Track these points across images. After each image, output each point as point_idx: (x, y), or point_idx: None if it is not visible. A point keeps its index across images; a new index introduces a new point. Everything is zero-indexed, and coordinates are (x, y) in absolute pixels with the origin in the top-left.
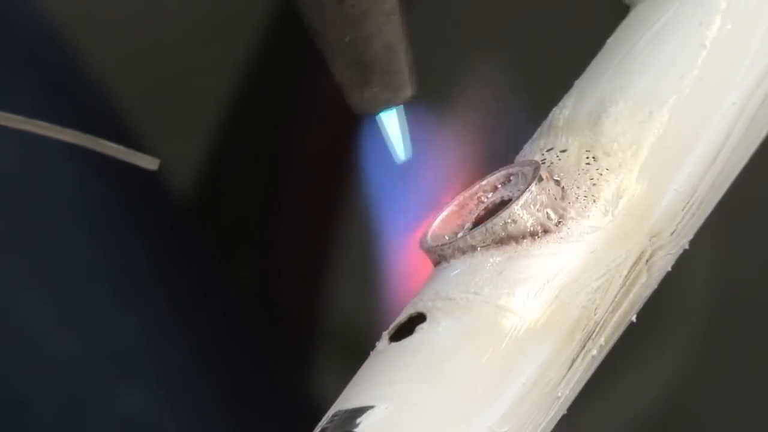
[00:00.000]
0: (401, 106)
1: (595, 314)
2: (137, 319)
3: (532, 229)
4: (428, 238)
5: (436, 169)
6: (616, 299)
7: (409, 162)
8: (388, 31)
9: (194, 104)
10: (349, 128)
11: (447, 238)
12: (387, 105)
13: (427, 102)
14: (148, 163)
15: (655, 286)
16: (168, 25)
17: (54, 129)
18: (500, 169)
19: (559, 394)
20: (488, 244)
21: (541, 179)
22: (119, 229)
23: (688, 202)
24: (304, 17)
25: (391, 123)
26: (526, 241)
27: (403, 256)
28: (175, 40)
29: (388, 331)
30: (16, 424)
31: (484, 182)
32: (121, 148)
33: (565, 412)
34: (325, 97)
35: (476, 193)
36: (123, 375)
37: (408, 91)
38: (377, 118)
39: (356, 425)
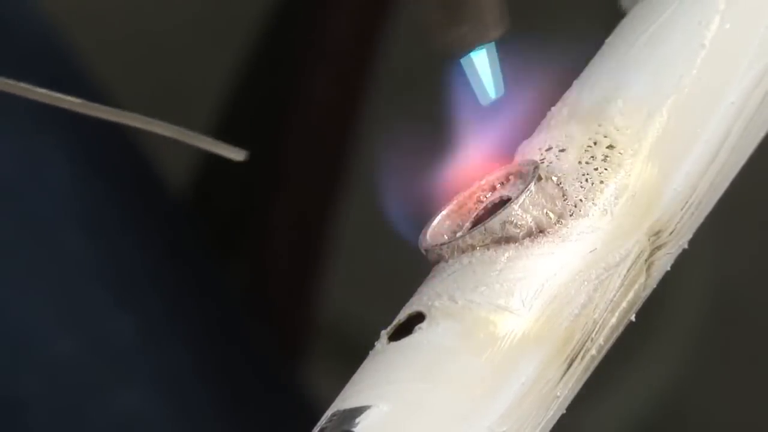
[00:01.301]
0: (492, 45)
1: (594, 314)
2: (134, 320)
3: (530, 228)
4: (427, 237)
5: (526, 109)
6: (615, 299)
7: (499, 100)
8: None
9: (192, 103)
10: (347, 128)
11: (446, 237)
12: (478, 44)
13: (516, 41)
14: (236, 154)
15: (654, 286)
16: (167, 25)
17: (146, 121)
18: (499, 168)
19: (558, 394)
20: (487, 244)
21: (539, 179)
22: (116, 230)
23: (687, 202)
24: None
25: (482, 63)
26: (525, 241)
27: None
28: (175, 40)
29: (386, 330)
30: (14, 425)
31: (483, 182)
32: (209, 139)
33: (565, 411)
34: (321, 98)
35: (475, 193)
36: (120, 375)
37: (499, 29)
38: (467, 58)
39: (355, 425)
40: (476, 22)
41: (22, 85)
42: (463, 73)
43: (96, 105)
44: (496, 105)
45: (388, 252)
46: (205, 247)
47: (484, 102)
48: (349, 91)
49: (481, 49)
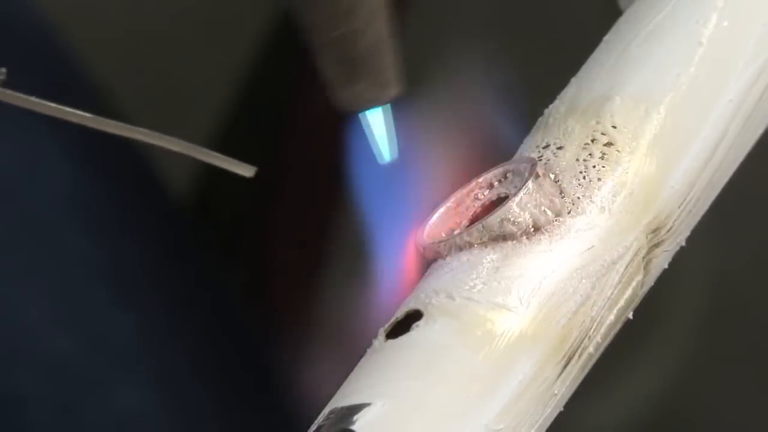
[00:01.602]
0: (387, 105)
1: (591, 311)
2: (133, 318)
3: (528, 226)
4: (425, 235)
5: (422, 169)
6: (613, 296)
7: (395, 162)
8: (376, 27)
9: (191, 104)
10: (347, 129)
11: (443, 235)
12: (373, 103)
13: (413, 101)
14: (245, 170)
15: (652, 283)
16: (167, 25)
17: (155, 136)
18: (497, 166)
19: (556, 392)
20: (485, 242)
21: (537, 176)
22: (115, 229)
23: (684, 199)
24: (294, 12)
25: (377, 122)
26: (523, 239)
27: (395, 257)
28: (174, 40)
29: (384, 328)
30: (13, 422)
31: (480, 179)
32: (219, 155)
33: (562, 409)
34: (321, 98)
35: (473, 191)
36: (120, 374)
37: (394, 89)
38: (362, 116)
39: (353, 422)
40: (372, 80)
41: (33, 99)
42: (362, 130)
43: (106, 120)
44: (392, 164)
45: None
46: (204, 246)
47: (380, 160)
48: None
49: (377, 108)
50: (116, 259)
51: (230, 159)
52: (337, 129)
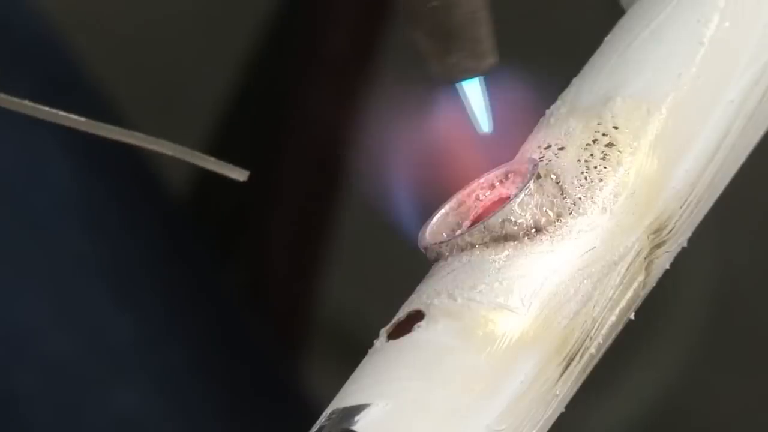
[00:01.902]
0: (483, 76)
1: (593, 312)
2: (133, 318)
3: (530, 227)
4: (426, 235)
5: (516, 140)
6: (615, 297)
7: (490, 131)
8: None
9: (191, 102)
10: (345, 129)
11: (445, 235)
12: (469, 74)
13: (508, 73)
14: (238, 174)
15: (654, 284)
16: (167, 24)
17: (150, 140)
18: (498, 166)
19: (557, 392)
20: (486, 242)
21: (539, 177)
22: (115, 228)
23: (686, 200)
24: None
25: (474, 93)
26: (525, 239)
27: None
28: (174, 40)
29: (386, 329)
30: (12, 422)
31: (482, 180)
32: (212, 159)
33: (564, 410)
34: (322, 98)
35: (474, 191)
36: (118, 373)
37: (491, 60)
38: (458, 87)
39: (354, 423)
40: (468, 51)
41: (27, 103)
42: (458, 100)
43: (99, 124)
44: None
45: (388, 250)
46: (204, 246)
47: (479, 131)
48: (348, 93)
49: (473, 79)
50: (115, 259)
51: (223, 163)
52: (337, 129)
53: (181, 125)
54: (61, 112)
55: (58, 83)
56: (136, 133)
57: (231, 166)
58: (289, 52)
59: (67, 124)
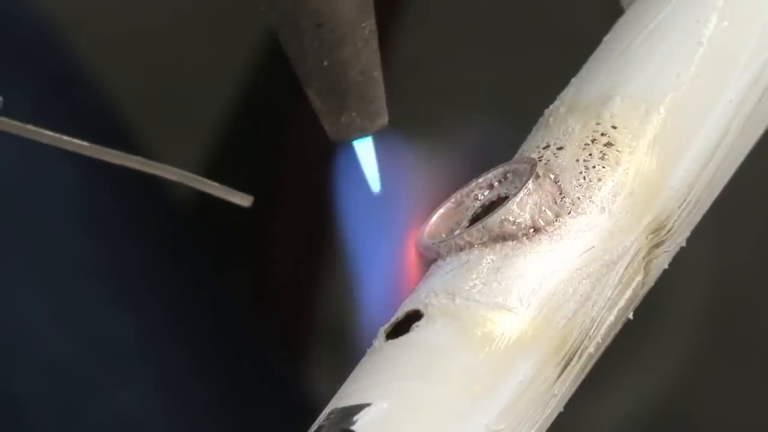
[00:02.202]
0: (374, 136)
1: (591, 311)
2: (133, 319)
3: (528, 226)
4: (425, 235)
5: (410, 198)
6: (613, 296)
7: (383, 192)
8: (365, 56)
9: (193, 104)
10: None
11: (444, 235)
12: (362, 133)
13: (401, 131)
14: (242, 200)
15: (652, 284)
16: (168, 26)
17: (155, 166)
18: (497, 166)
19: (556, 392)
20: (485, 242)
21: (537, 176)
22: (116, 230)
23: (685, 200)
24: (282, 42)
25: (366, 152)
26: (523, 239)
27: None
28: (175, 41)
29: (384, 328)
30: (12, 422)
31: (480, 180)
32: (216, 185)
33: (562, 409)
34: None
35: (473, 191)
36: (119, 374)
37: (383, 119)
38: (352, 146)
39: (353, 423)
40: (361, 111)
41: (31, 127)
42: (354, 159)
43: (102, 148)
44: (383, 194)
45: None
46: (204, 247)
47: (370, 189)
48: None
49: (365, 138)
50: (116, 260)
51: (227, 188)
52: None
53: (180, 125)
54: (69, 138)
55: (60, 82)
56: (140, 158)
57: (235, 191)
58: (290, 73)
59: (72, 149)
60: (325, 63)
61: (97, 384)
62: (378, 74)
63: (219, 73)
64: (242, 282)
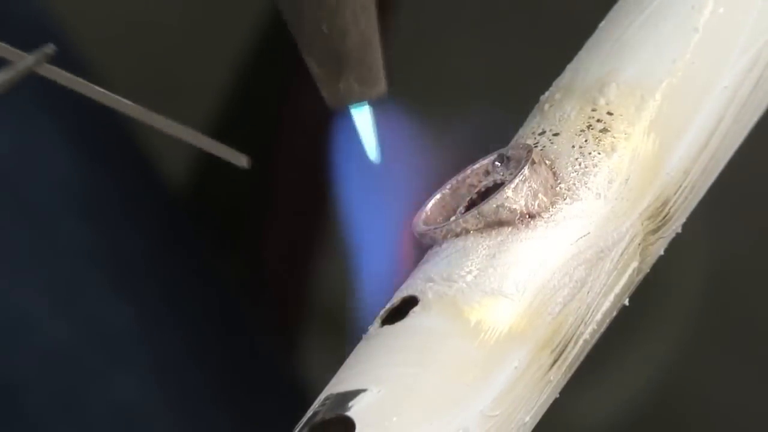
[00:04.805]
0: (372, 105)
1: (587, 298)
2: (132, 306)
3: (524, 212)
4: (420, 221)
5: (407, 168)
6: (609, 283)
7: (381, 160)
8: (364, 22)
9: (191, 95)
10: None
11: (439, 221)
12: (360, 99)
13: (400, 100)
14: (238, 159)
15: (648, 270)
16: (167, 20)
17: (151, 116)
18: (493, 152)
19: (551, 378)
20: (480, 228)
21: (533, 163)
22: (115, 217)
23: (680, 186)
24: (279, 8)
25: (364, 119)
26: (519, 225)
27: (388, 248)
28: (173, 35)
29: (380, 314)
30: (11, 410)
31: (476, 166)
32: (213, 142)
33: (558, 396)
34: (317, 87)
35: (468, 177)
36: (118, 362)
37: (382, 86)
38: (350, 112)
39: (348, 408)
40: (359, 77)
41: (80, 80)
42: (352, 127)
43: (142, 109)
44: (381, 162)
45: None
46: (203, 235)
47: (368, 157)
48: None
49: (363, 105)
50: (114, 248)
51: (224, 146)
52: (332, 118)
53: (179, 115)
54: (112, 94)
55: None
56: (137, 106)
57: (231, 150)
58: (287, 44)
59: (109, 104)
60: (324, 28)
61: (96, 371)
62: (376, 40)
63: (218, 64)
64: (241, 270)
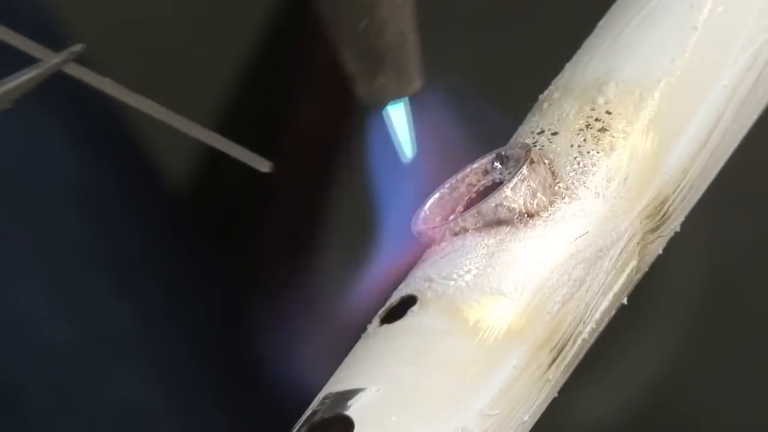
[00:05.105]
0: (407, 100)
1: (586, 297)
2: (132, 304)
3: (523, 211)
4: (420, 220)
5: (441, 162)
6: (607, 282)
7: (414, 157)
8: (401, 19)
9: (192, 91)
10: (344, 117)
11: (438, 220)
12: (396, 96)
13: (433, 95)
14: (261, 164)
15: (646, 269)
16: (168, 17)
17: (170, 116)
18: (491, 152)
19: (550, 377)
20: (479, 227)
21: (532, 162)
22: (115, 216)
23: (679, 185)
24: (315, 5)
25: (399, 116)
26: (518, 224)
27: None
28: (175, 31)
29: (379, 313)
30: (12, 409)
31: (475, 165)
32: (235, 146)
33: (557, 395)
34: (319, 85)
35: (467, 176)
36: (118, 359)
37: (417, 82)
38: (384, 110)
39: (347, 407)
40: (395, 74)
41: (107, 80)
42: (385, 125)
43: (163, 109)
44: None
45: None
46: (203, 232)
47: (402, 154)
48: (345, 83)
49: (399, 102)
50: (115, 246)
51: (247, 151)
52: (336, 117)
53: (180, 111)
54: (138, 95)
55: (59, 79)
56: (160, 107)
57: (254, 155)
58: (289, 44)
59: (134, 104)
60: (362, 24)
61: (96, 369)
62: (414, 36)
63: (220, 61)
64: (240, 267)
